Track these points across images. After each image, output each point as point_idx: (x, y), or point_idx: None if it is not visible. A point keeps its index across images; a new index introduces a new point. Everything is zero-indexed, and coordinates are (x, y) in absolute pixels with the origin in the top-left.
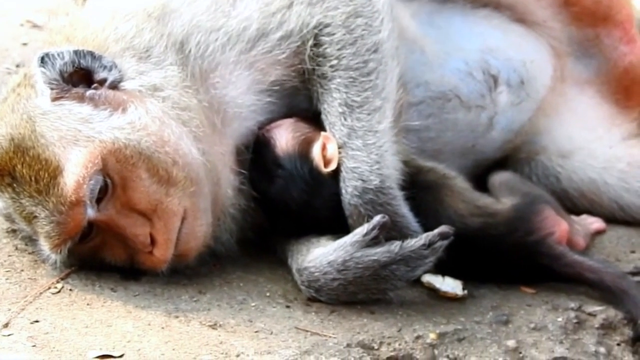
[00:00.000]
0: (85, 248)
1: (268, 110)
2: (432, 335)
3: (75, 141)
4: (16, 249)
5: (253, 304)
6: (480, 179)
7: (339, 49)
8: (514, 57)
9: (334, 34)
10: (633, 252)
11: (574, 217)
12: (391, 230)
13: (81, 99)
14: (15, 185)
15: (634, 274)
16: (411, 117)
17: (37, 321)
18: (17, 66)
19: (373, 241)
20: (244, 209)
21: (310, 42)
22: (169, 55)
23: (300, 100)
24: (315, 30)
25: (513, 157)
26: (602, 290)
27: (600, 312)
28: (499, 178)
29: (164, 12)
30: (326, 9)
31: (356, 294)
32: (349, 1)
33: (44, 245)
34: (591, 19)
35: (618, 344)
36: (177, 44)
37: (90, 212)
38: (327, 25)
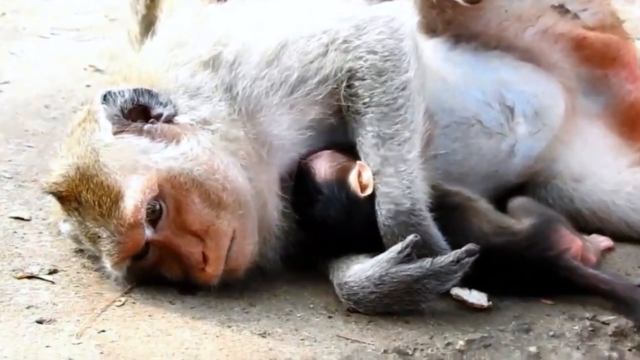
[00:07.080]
0: (144, 265)
1: (308, 143)
2: (461, 342)
3: (135, 170)
4: (84, 266)
5: (298, 315)
6: (498, 202)
7: (370, 90)
8: (526, 90)
9: (364, 79)
10: None
11: (584, 236)
12: (422, 248)
13: (139, 132)
14: (80, 209)
15: None
16: (439, 140)
17: (104, 331)
18: (82, 105)
19: (406, 258)
20: (287, 229)
21: (344, 84)
22: (217, 94)
23: (337, 135)
24: (348, 74)
25: (531, 181)
26: (615, 300)
27: (613, 320)
28: (517, 202)
29: (217, 61)
30: (356, 56)
31: (391, 305)
32: (379, 46)
33: (106, 263)
34: (600, 60)
35: (629, 350)
36: (225, 86)
37: (148, 233)
38: (357, 70)
